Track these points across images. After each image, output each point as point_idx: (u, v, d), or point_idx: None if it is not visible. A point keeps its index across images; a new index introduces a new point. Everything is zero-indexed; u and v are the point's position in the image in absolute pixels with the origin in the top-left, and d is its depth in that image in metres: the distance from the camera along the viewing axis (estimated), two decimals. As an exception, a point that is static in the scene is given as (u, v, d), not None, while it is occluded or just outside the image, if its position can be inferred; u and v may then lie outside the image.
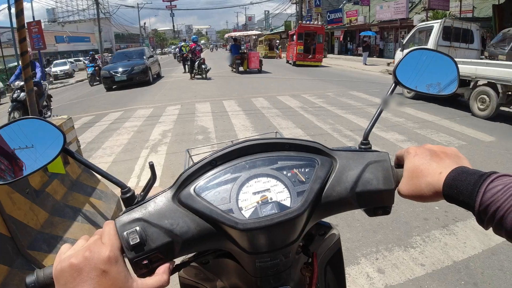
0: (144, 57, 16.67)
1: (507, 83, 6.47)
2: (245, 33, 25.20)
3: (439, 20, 10.92)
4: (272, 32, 45.84)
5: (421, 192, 0.58)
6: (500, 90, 6.65)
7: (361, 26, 28.64)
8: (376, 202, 0.66)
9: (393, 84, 0.75)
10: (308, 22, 25.16)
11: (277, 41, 35.16)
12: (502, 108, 6.91)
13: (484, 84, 7.09)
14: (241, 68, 18.62)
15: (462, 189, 0.52)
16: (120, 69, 15.12)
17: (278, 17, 60.72)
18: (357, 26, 29.47)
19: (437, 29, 10.22)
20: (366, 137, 0.72)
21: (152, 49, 35.87)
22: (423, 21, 15.49)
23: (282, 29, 45.01)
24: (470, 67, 7.28)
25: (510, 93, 6.72)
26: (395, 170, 0.67)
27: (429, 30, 10.58)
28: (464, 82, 7.46)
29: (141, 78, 15.49)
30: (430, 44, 10.27)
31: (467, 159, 0.60)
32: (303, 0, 37.81)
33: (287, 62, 23.94)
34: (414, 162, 0.61)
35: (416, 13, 23.08)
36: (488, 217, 0.48)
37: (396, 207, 3.29)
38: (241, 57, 18.56)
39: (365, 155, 0.68)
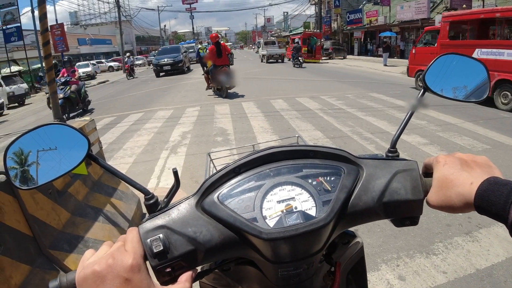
0: None
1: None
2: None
3: (262, 39, 39.79)
4: (291, 33, 45.84)
5: (451, 203, 0.56)
6: None
7: (381, 27, 28.28)
8: (404, 213, 0.64)
9: (422, 89, 0.73)
10: (310, 30, 35.30)
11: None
12: None
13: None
14: None
15: (494, 201, 0.50)
16: None
17: (297, 18, 60.52)
18: (377, 26, 29.11)
19: (262, 41, 33.20)
20: (393, 144, 0.70)
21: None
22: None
23: (301, 30, 44.94)
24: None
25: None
26: (424, 180, 0.64)
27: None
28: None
29: None
30: (261, 45, 31.89)
31: (498, 169, 0.58)
32: (322, 1, 37.63)
33: (289, 60, 28.00)
34: (444, 172, 0.59)
35: (437, 13, 22.61)
36: None
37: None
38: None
39: (392, 163, 0.66)
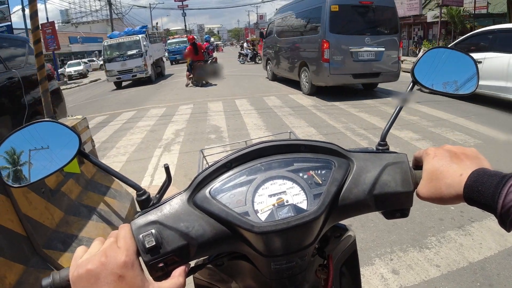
0: None
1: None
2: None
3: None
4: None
5: (441, 194, 0.57)
6: None
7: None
8: (394, 205, 0.65)
9: (411, 83, 0.73)
10: None
11: None
12: None
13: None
14: None
15: (483, 191, 0.50)
16: None
17: (290, 15, 60.32)
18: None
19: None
20: (383, 138, 0.71)
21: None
22: (437, 17, 17.82)
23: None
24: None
25: None
26: (414, 172, 0.65)
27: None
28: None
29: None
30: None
31: (487, 160, 0.58)
32: (314, -3, 37.69)
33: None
34: (434, 164, 0.59)
35: (429, 9, 22.75)
36: (510, 219, 0.47)
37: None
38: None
39: (382, 156, 0.67)
